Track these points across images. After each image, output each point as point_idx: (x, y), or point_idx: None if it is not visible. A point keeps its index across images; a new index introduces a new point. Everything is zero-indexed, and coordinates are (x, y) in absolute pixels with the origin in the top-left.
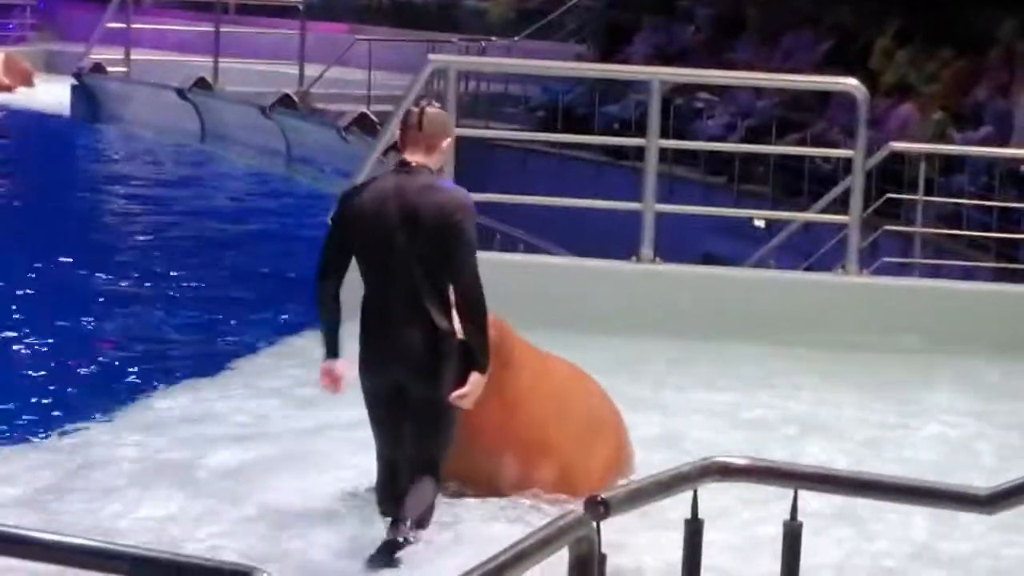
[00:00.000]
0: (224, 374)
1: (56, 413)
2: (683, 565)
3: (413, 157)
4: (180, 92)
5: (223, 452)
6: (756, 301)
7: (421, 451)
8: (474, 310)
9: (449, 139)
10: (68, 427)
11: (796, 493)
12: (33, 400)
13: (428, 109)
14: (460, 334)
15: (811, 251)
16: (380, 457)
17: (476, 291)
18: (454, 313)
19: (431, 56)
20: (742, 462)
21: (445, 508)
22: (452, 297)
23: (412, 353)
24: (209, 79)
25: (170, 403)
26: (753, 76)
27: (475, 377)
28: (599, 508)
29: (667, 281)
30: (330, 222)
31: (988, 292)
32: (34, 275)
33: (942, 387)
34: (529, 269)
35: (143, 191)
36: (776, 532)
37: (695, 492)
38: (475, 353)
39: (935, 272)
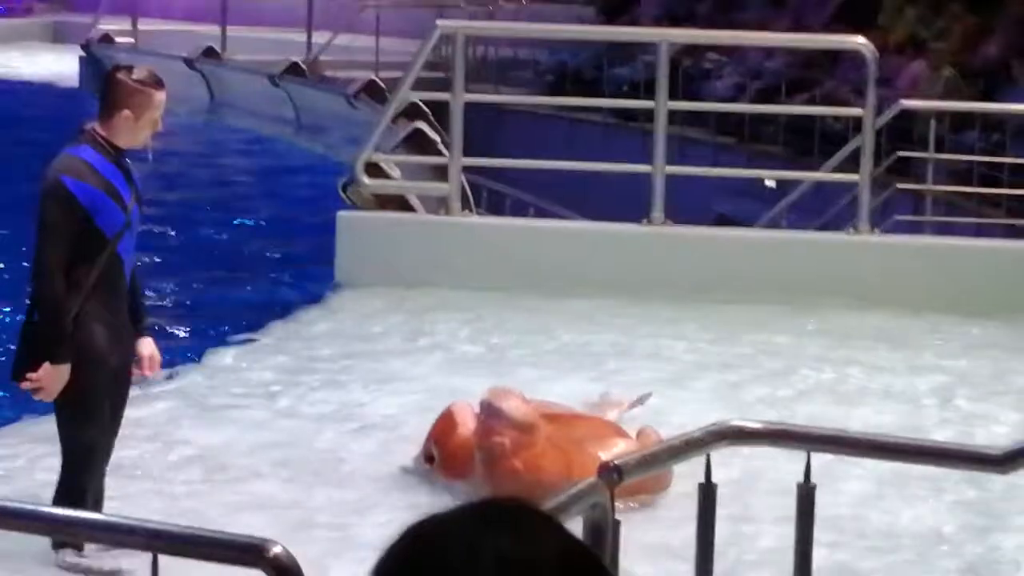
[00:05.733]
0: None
1: None
2: (698, 529)
3: (92, 122)
4: (188, 62)
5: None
6: (768, 262)
7: None
8: (36, 295)
9: (128, 112)
10: None
11: (809, 456)
12: None
13: (117, 73)
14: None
15: (823, 210)
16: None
17: (38, 276)
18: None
19: (439, 22)
20: (755, 425)
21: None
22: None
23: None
24: (217, 48)
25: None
26: (762, 36)
27: (44, 367)
28: (612, 474)
29: (679, 243)
30: None
31: (999, 249)
32: None
33: (952, 344)
34: (540, 234)
35: (152, 161)
36: (791, 493)
37: (708, 456)
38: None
39: (947, 229)
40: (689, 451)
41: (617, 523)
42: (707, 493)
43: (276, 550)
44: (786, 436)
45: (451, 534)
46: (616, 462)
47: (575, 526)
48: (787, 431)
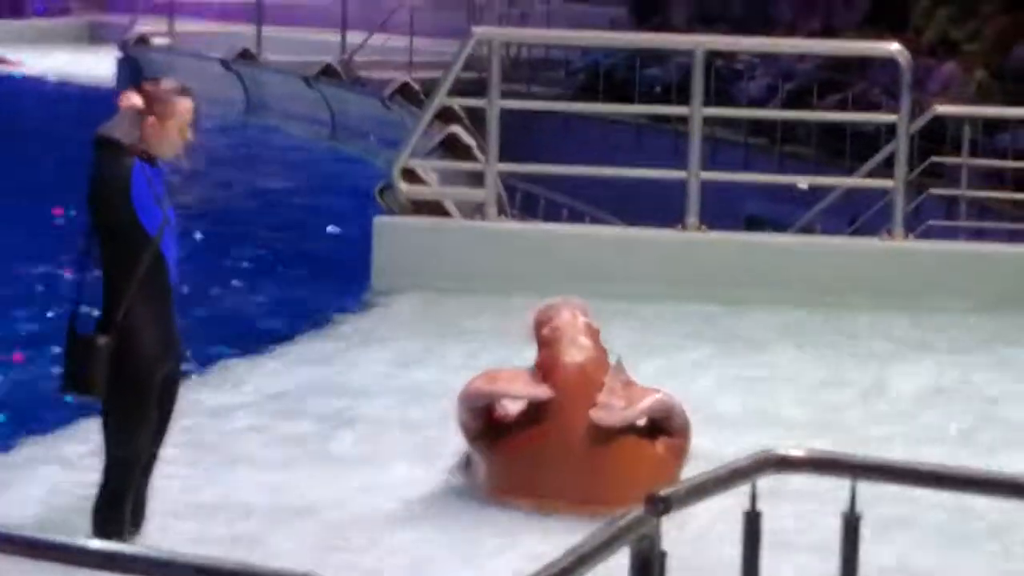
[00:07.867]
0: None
1: None
2: (743, 558)
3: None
4: (224, 63)
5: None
6: (802, 267)
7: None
8: None
9: (152, 119)
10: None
11: (854, 485)
12: None
13: (144, 84)
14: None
15: (856, 213)
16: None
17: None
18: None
19: (475, 29)
20: (799, 454)
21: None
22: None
23: None
24: (252, 49)
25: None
26: (796, 43)
27: None
28: (659, 505)
29: (714, 249)
30: None
31: None
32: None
33: (988, 350)
34: (576, 239)
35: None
36: (836, 522)
37: (753, 485)
38: None
39: (981, 234)
40: (734, 480)
41: (663, 554)
42: (752, 520)
43: None
44: (831, 465)
45: None
46: (663, 493)
47: (621, 558)
48: (832, 460)
